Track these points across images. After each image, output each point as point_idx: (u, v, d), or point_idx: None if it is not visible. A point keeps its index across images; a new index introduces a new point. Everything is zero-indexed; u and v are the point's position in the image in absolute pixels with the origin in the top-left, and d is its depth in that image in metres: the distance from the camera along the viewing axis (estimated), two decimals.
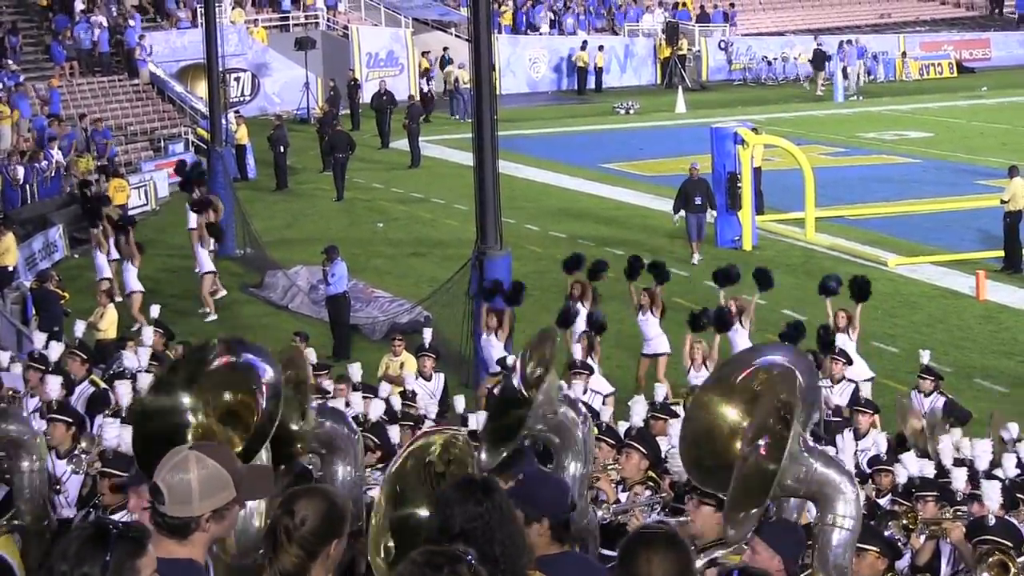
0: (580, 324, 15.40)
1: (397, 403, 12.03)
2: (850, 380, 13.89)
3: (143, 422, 4.59)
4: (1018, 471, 10.23)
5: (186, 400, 4.52)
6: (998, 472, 9.71)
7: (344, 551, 5.47)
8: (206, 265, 20.30)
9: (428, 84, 39.92)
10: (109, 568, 3.17)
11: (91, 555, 3.17)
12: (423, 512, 4.71)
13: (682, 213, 22.30)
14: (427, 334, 15.06)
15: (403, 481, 4.81)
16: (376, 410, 11.74)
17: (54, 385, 10.87)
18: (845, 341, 14.78)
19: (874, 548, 6.71)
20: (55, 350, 12.78)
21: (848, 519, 4.31)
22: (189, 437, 4.40)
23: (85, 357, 13.03)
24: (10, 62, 31.91)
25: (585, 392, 12.84)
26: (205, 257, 20.29)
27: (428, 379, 14.24)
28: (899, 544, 7.78)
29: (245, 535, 4.32)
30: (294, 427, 4.98)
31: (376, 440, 9.63)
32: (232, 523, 3.87)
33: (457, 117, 38.61)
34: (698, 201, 21.99)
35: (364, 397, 11.99)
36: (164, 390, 4.59)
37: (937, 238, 23.17)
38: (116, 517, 6.08)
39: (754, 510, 4.33)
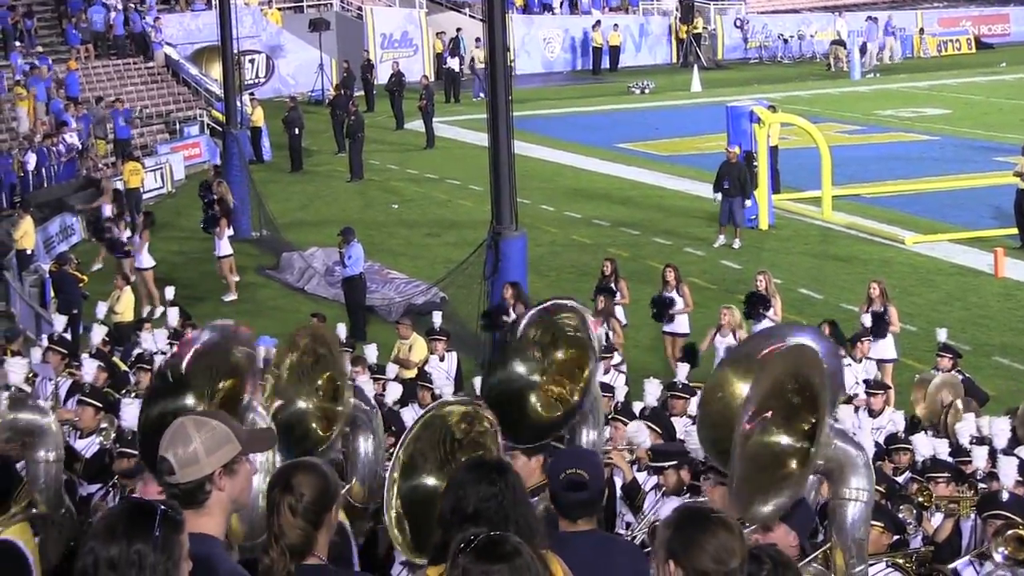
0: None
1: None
2: (868, 358, 13.87)
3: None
4: None
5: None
6: (1020, 451, 9.67)
7: (367, 528, 5.51)
8: (224, 248, 20.32)
9: (460, 64, 39.17)
10: (158, 544, 3.21)
11: (141, 533, 3.21)
12: (432, 481, 4.73)
13: (719, 195, 21.79)
14: (436, 317, 15.09)
15: (417, 449, 4.83)
16: (393, 393, 11.82)
17: (90, 368, 11.01)
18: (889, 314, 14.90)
19: (879, 523, 6.70)
20: (97, 334, 12.92)
21: (864, 492, 4.31)
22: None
23: (107, 339, 13.29)
24: (25, 45, 31.97)
25: (607, 372, 12.85)
26: (225, 241, 20.35)
27: (441, 359, 14.29)
28: (906, 522, 7.77)
29: (253, 517, 4.32)
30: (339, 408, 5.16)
31: (391, 425, 9.63)
32: (246, 481, 3.84)
33: (475, 97, 38.48)
34: (726, 185, 21.40)
35: (374, 379, 12.07)
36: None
37: (955, 216, 23.01)
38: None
39: (784, 494, 4.27)
